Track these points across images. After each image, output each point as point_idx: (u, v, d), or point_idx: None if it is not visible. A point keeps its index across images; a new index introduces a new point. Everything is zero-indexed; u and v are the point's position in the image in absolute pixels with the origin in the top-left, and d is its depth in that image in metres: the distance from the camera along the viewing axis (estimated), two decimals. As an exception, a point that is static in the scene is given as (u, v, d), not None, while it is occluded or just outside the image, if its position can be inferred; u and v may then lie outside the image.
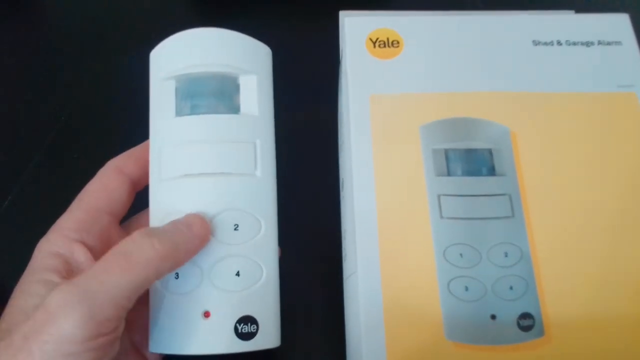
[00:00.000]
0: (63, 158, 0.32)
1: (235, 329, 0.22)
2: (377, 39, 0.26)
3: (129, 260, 0.18)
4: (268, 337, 0.22)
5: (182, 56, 0.23)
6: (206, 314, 0.21)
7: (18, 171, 0.32)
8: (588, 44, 0.26)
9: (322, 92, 0.31)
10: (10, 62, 0.36)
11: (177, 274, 0.22)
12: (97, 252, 0.21)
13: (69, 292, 0.17)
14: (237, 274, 0.22)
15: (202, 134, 0.23)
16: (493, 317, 0.22)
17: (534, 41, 0.26)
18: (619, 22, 0.26)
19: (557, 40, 0.26)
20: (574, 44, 0.26)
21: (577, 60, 0.26)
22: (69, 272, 0.20)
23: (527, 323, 0.21)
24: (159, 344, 0.22)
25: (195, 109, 0.23)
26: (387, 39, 0.26)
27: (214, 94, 0.23)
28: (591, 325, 0.21)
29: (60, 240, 0.21)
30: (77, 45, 0.37)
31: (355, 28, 0.26)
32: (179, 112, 0.23)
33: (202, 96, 0.23)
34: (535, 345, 0.21)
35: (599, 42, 0.26)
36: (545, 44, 0.26)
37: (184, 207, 0.22)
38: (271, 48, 0.25)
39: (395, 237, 0.22)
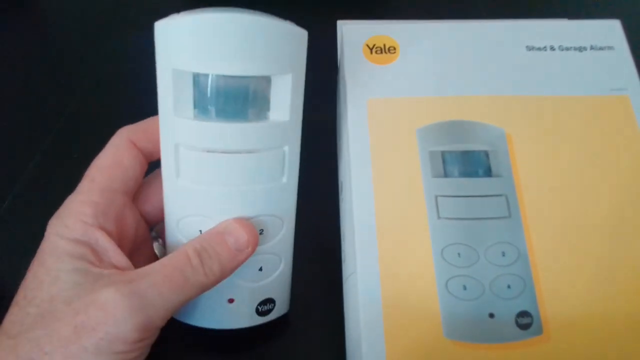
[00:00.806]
0: (63, 158, 0.32)
1: (257, 309, 0.24)
2: (374, 45, 0.26)
3: (186, 281, 0.20)
4: (281, 308, 0.25)
5: (204, 48, 0.19)
6: (230, 300, 0.23)
7: (18, 171, 0.32)
8: (581, 49, 0.26)
9: (322, 98, 0.31)
10: (10, 62, 0.36)
11: None
12: (115, 235, 0.21)
13: (127, 296, 0.18)
14: (260, 269, 0.23)
15: (227, 145, 0.20)
16: (491, 315, 0.22)
17: (527, 46, 0.26)
18: (610, 28, 0.27)
19: (551, 46, 0.26)
20: (567, 49, 0.26)
21: (571, 65, 0.26)
22: (99, 259, 0.20)
23: (526, 321, 0.21)
24: (183, 315, 0.24)
25: (219, 114, 0.20)
26: (384, 45, 0.26)
27: (242, 97, 0.20)
28: (589, 324, 0.21)
29: (79, 227, 0.20)
30: (77, 45, 0.37)
31: (352, 35, 0.27)
32: (199, 112, 0.20)
33: (227, 99, 0.20)
34: (534, 343, 0.21)
35: (592, 47, 0.26)
36: (539, 49, 0.26)
37: (208, 213, 0.21)
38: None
39: (393, 237, 0.23)
